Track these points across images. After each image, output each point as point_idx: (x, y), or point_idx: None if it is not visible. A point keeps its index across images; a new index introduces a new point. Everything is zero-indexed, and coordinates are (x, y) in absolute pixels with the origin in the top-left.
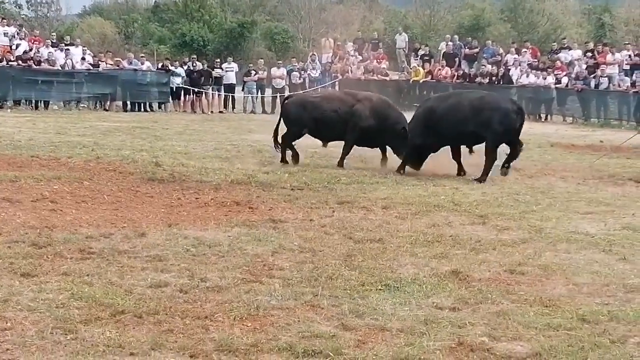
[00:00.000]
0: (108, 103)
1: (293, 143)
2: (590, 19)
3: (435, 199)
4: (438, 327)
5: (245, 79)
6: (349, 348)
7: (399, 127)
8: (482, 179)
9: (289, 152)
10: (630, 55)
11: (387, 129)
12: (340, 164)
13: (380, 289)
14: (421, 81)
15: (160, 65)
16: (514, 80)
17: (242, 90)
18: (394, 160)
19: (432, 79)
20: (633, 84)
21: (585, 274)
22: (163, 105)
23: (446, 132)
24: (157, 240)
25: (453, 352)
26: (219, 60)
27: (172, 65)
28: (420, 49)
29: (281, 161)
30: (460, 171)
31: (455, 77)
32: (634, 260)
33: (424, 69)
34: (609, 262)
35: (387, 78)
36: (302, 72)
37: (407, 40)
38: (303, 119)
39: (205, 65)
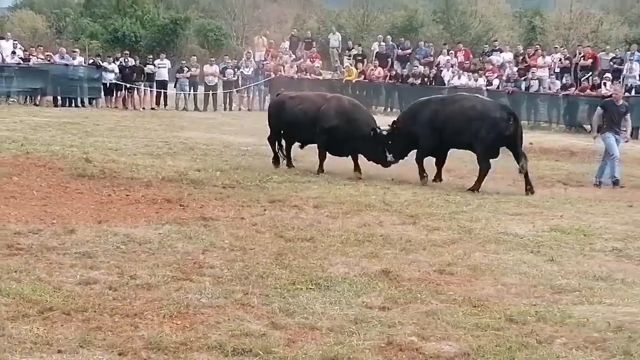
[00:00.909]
0: (38, 98)
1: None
2: (522, 22)
3: (366, 199)
4: (368, 326)
5: (178, 75)
6: (278, 347)
7: (367, 130)
8: (475, 188)
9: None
10: (560, 59)
11: (356, 132)
12: (319, 170)
13: (310, 288)
14: (354, 81)
15: (91, 60)
16: (446, 82)
17: (175, 87)
18: (368, 168)
19: (364, 79)
20: (563, 87)
21: (513, 275)
22: (94, 101)
23: (446, 138)
24: (86, 237)
25: (382, 351)
26: (151, 56)
27: (104, 61)
28: (353, 48)
29: (287, 166)
30: (438, 178)
31: (388, 77)
32: (562, 261)
33: (356, 68)
34: (537, 263)
35: (320, 77)
36: (236, 69)
37: (340, 39)
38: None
39: (138, 62)
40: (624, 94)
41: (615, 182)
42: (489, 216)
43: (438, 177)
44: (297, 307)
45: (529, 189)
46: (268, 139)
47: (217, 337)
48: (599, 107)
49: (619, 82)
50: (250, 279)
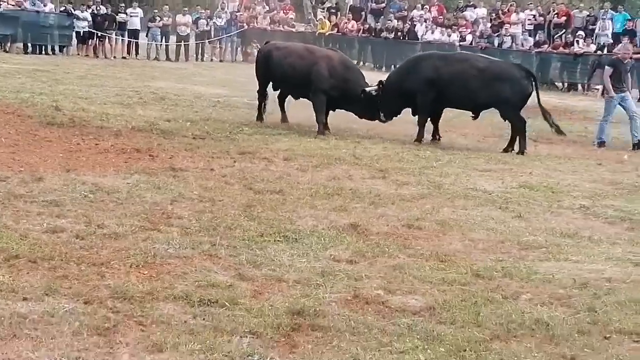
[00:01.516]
0: (8, 44)
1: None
2: None
3: (336, 152)
4: (334, 279)
5: (150, 24)
6: (245, 298)
7: (359, 90)
8: (522, 149)
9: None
10: (534, 16)
11: (349, 92)
12: (320, 131)
13: (278, 240)
14: (327, 34)
15: (63, 7)
16: (419, 37)
17: (147, 36)
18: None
19: (338, 32)
20: (536, 44)
21: (481, 230)
22: (65, 49)
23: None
24: (54, 185)
25: (348, 304)
26: (123, 4)
27: (76, 9)
28: (327, 1)
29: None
30: (436, 135)
31: (361, 31)
32: (529, 218)
33: (330, 21)
34: (505, 219)
35: (293, 30)
36: (209, 20)
37: None
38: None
39: (110, 10)
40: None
41: (601, 144)
42: (459, 172)
43: (436, 135)
44: (264, 259)
45: (516, 150)
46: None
47: (183, 288)
48: (607, 66)
49: (629, 41)
50: (218, 230)
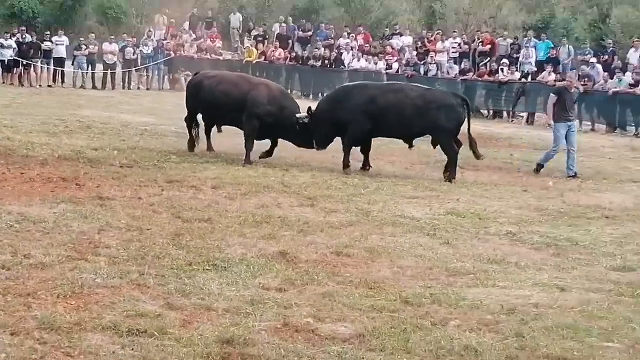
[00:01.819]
0: None
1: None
2: (422, 6)
3: (264, 180)
4: (264, 307)
5: (76, 53)
6: (174, 327)
7: (294, 118)
8: (451, 177)
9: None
10: (459, 44)
11: (284, 119)
12: (247, 161)
13: (207, 269)
14: (254, 62)
15: None
16: (346, 64)
17: (72, 64)
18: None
19: (265, 60)
20: (461, 72)
21: (409, 257)
22: None
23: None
24: None
25: (278, 332)
26: (49, 32)
27: (0, 37)
28: (254, 29)
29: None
30: (366, 165)
31: (288, 59)
32: (457, 244)
33: (257, 49)
34: (433, 246)
35: (221, 57)
36: (135, 48)
37: (241, 20)
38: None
39: (35, 38)
40: (521, 80)
41: (539, 167)
42: (387, 199)
43: (367, 164)
44: (193, 288)
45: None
46: (185, 119)
47: (111, 318)
48: (551, 94)
49: (574, 71)
50: (146, 259)
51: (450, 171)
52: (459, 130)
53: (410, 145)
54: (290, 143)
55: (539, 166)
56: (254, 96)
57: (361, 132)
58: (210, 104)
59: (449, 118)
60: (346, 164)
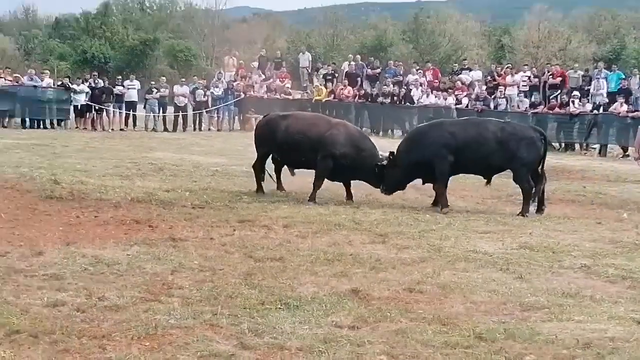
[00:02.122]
0: (6, 120)
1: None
2: (491, 40)
3: (336, 218)
4: (337, 345)
5: (147, 96)
6: None
7: (373, 161)
8: (524, 212)
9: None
10: (529, 77)
11: (364, 161)
12: (312, 198)
13: (279, 308)
14: (324, 100)
15: (60, 82)
16: (415, 101)
17: (144, 107)
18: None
19: (334, 98)
20: (532, 105)
21: (482, 292)
22: (63, 123)
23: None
24: (54, 258)
25: None
26: (120, 77)
27: (74, 83)
28: (323, 68)
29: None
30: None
31: (358, 96)
32: (530, 279)
33: (326, 88)
34: (506, 281)
35: (290, 97)
36: (206, 90)
37: (310, 59)
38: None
39: (107, 83)
40: (592, 111)
41: None
42: (458, 234)
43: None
44: (266, 327)
45: (542, 208)
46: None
47: (185, 358)
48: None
49: None
50: (219, 300)
51: (524, 206)
52: (538, 165)
53: (489, 182)
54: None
55: None
56: (332, 135)
57: (448, 167)
58: (285, 144)
59: (529, 152)
60: (445, 204)
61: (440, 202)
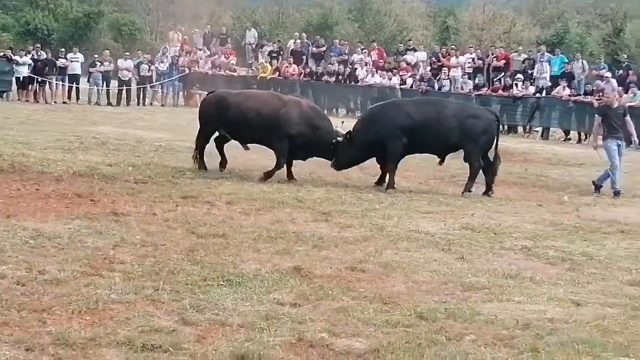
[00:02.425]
0: None
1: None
2: (436, 21)
3: (279, 195)
4: (279, 322)
5: (91, 69)
6: (188, 343)
7: (329, 138)
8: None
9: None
10: (473, 59)
11: (319, 139)
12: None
13: (221, 284)
14: (268, 77)
15: (2, 53)
16: (360, 80)
17: (88, 81)
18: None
19: (279, 75)
20: (475, 87)
21: (424, 272)
22: (5, 94)
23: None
24: None
25: (293, 347)
26: (64, 50)
27: (16, 54)
28: (268, 45)
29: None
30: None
31: (303, 74)
32: (472, 259)
33: (271, 65)
34: (448, 261)
35: (235, 74)
36: (150, 65)
37: (256, 36)
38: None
39: (50, 55)
40: (535, 95)
41: (616, 193)
42: (401, 214)
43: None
44: (207, 303)
45: (490, 193)
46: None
47: (126, 333)
48: (596, 115)
49: (610, 85)
50: (161, 275)
51: (469, 183)
52: (491, 145)
53: (442, 162)
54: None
55: (616, 192)
56: (286, 114)
57: (400, 148)
58: (235, 122)
59: (484, 132)
60: (391, 185)
61: (388, 182)
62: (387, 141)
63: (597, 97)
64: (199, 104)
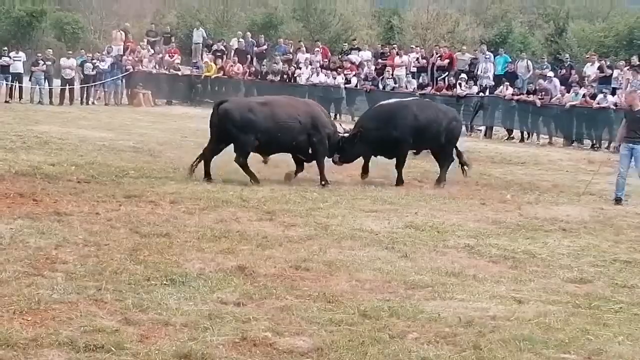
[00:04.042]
0: None
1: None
2: (380, 21)
3: (223, 195)
4: (222, 322)
5: (33, 68)
6: (131, 342)
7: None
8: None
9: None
10: (417, 58)
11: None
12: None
13: (165, 284)
14: (213, 77)
15: None
16: (305, 79)
17: (30, 80)
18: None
19: (224, 74)
20: (420, 86)
21: (368, 271)
22: None
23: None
24: None
25: (236, 346)
26: (6, 48)
27: None
28: (213, 44)
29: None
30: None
31: (247, 74)
32: (415, 257)
33: (216, 64)
34: (392, 259)
35: (179, 73)
36: (94, 63)
37: (204, 35)
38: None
39: None
40: (479, 94)
41: (617, 200)
42: (345, 213)
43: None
44: (151, 303)
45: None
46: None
47: (68, 333)
48: (623, 119)
49: (635, 89)
50: (103, 275)
51: (442, 175)
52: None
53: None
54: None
55: (617, 199)
56: (322, 116)
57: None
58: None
59: (457, 131)
60: (401, 182)
61: (398, 180)
62: (399, 141)
63: (540, 97)
64: (217, 115)
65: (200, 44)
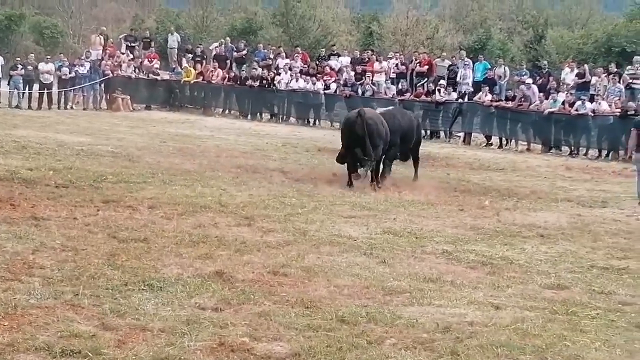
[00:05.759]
0: None
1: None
2: (360, 27)
3: (202, 200)
4: (200, 327)
5: (12, 72)
6: (108, 348)
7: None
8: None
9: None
10: (396, 64)
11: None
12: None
13: (143, 289)
14: (192, 82)
15: None
16: (284, 85)
17: (8, 84)
18: None
19: (203, 80)
20: (399, 92)
21: (346, 276)
22: None
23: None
24: None
25: (214, 352)
26: None
27: None
28: (192, 49)
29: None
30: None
31: (227, 79)
32: (393, 263)
33: (195, 69)
34: (370, 265)
35: (158, 77)
36: (72, 67)
37: (179, 40)
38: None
39: None
40: (458, 100)
41: None
42: (324, 218)
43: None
44: (128, 308)
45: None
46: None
47: (45, 339)
48: (632, 129)
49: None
50: (81, 280)
51: (417, 172)
52: None
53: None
54: None
55: None
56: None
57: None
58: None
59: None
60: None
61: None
62: (395, 144)
63: (518, 103)
64: (350, 124)
65: (176, 49)
